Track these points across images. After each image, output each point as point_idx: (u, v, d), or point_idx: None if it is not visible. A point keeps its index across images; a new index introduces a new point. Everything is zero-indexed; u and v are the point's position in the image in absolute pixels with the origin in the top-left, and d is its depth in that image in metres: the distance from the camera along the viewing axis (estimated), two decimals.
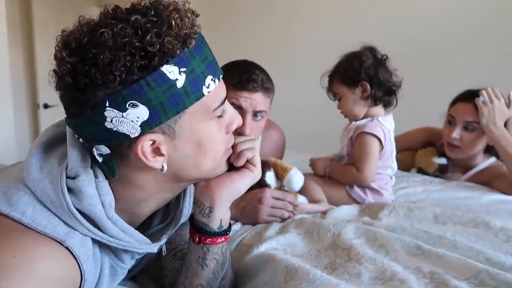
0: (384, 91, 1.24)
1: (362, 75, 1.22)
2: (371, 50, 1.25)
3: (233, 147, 0.69)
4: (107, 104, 0.52)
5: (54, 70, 0.55)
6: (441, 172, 1.57)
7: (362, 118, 1.27)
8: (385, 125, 1.25)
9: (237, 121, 0.66)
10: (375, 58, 1.24)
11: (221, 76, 0.61)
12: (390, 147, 1.28)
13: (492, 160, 1.54)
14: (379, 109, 1.27)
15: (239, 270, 0.85)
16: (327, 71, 1.32)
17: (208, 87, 0.57)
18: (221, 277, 0.74)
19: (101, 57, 0.51)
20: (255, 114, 1.15)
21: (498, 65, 2.27)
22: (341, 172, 1.28)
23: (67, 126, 0.61)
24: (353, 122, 1.28)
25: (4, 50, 2.56)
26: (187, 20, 0.55)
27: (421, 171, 1.62)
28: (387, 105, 1.28)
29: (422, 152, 1.62)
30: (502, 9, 2.30)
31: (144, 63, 0.52)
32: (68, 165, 0.58)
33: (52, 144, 0.64)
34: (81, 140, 0.58)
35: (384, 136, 1.23)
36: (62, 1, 3.42)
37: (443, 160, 1.55)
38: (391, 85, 1.25)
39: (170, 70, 0.53)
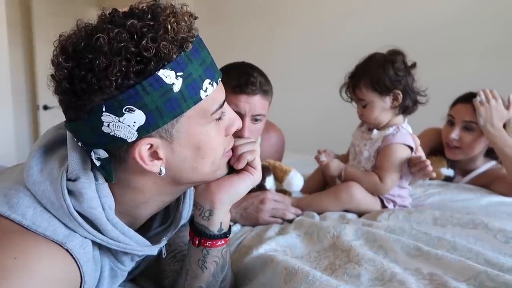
0: (413, 102, 1.19)
1: (397, 84, 1.16)
2: (402, 55, 1.18)
3: (233, 149, 0.69)
4: (104, 109, 0.52)
5: (52, 75, 0.56)
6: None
7: (384, 126, 1.21)
8: (410, 132, 1.21)
9: (237, 123, 0.66)
10: (405, 65, 1.18)
11: (220, 79, 0.61)
12: None
13: (493, 163, 1.54)
14: (400, 116, 1.22)
15: (239, 271, 0.85)
16: (349, 72, 1.24)
17: (205, 91, 0.57)
18: (221, 279, 0.74)
19: (97, 62, 0.51)
20: (254, 118, 1.15)
21: (501, 68, 2.26)
22: (360, 178, 1.20)
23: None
24: (375, 131, 1.21)
25: (4, 51, 2.56)
26: (184, 23, 0.55)
27: None
28: (408, 113, 1.23)
29: (432, 160, 1.59)
30: (507, 10, 2.30)
31: (140, 68, 0.52)
32: (69, 168, 0.58)
33: (53, 147, 0.64)
34: (79, 143, 0.59)
35: (414, 144, 1.20)
36: (62, 2, 3.43)
37: (450, 172, 1.53)
38: (420, 96, 1.20)
39: (167, 75, 0.53)
